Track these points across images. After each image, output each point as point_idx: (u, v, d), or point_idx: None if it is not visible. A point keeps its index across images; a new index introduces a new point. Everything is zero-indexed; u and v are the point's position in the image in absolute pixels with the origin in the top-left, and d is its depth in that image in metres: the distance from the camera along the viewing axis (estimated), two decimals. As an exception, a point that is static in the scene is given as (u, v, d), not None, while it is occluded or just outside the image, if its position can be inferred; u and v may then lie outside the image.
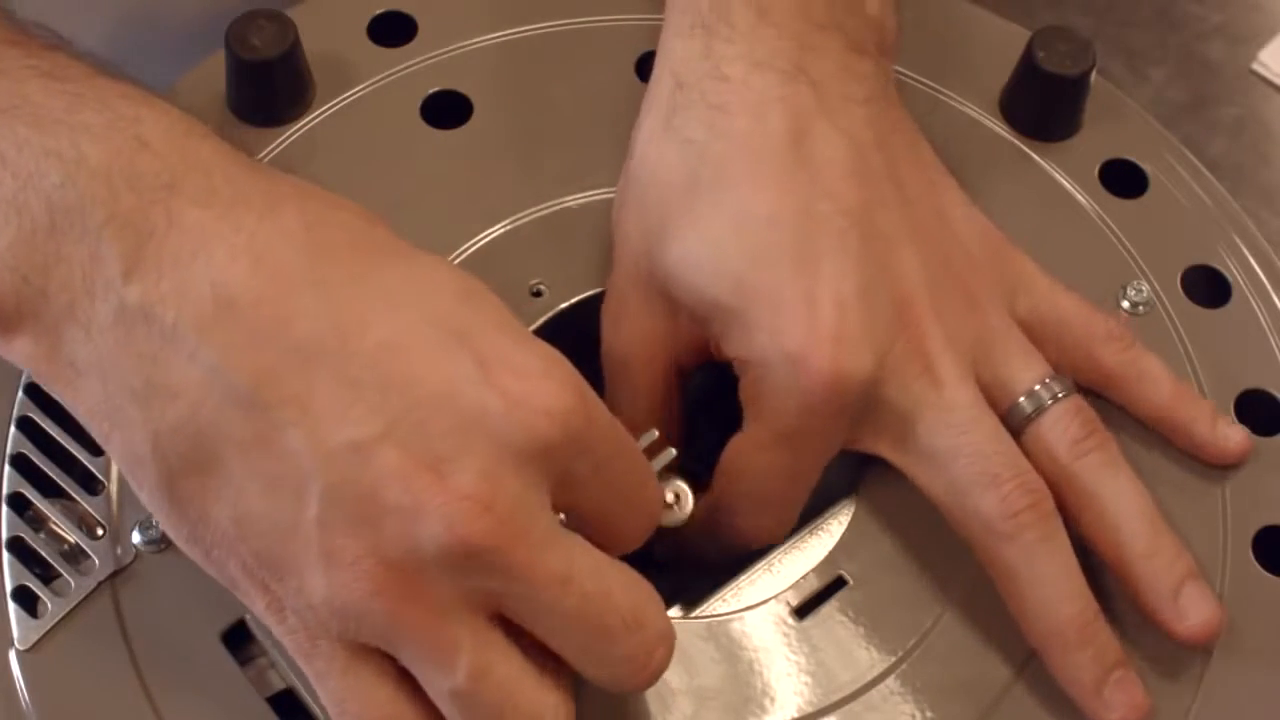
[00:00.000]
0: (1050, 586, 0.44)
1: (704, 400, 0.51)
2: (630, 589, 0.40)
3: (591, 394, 0.40)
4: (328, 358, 0.37)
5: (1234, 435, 0.48)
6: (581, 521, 0.41)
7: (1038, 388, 0.47)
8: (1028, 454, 0.46)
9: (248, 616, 0.45)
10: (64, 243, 0.38)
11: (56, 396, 0.41)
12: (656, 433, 0.46)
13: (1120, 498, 0.46)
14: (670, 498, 0.48)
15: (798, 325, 0.44)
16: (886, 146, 0.48)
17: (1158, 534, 0.46)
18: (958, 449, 0.45)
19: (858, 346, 0.44)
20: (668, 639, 0.41)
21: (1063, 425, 0.46)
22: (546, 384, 0.38)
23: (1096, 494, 0.46)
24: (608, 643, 0.40)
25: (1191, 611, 0.45)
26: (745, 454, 0.47)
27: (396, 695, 0.40)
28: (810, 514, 0.50)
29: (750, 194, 0.46)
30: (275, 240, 0.38)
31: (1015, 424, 0.46)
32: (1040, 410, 0.46)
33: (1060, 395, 0.47)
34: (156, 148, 0.39)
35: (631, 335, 0.49)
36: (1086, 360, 0.49)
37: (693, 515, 0.48)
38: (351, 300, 0.38)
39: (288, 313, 0.37)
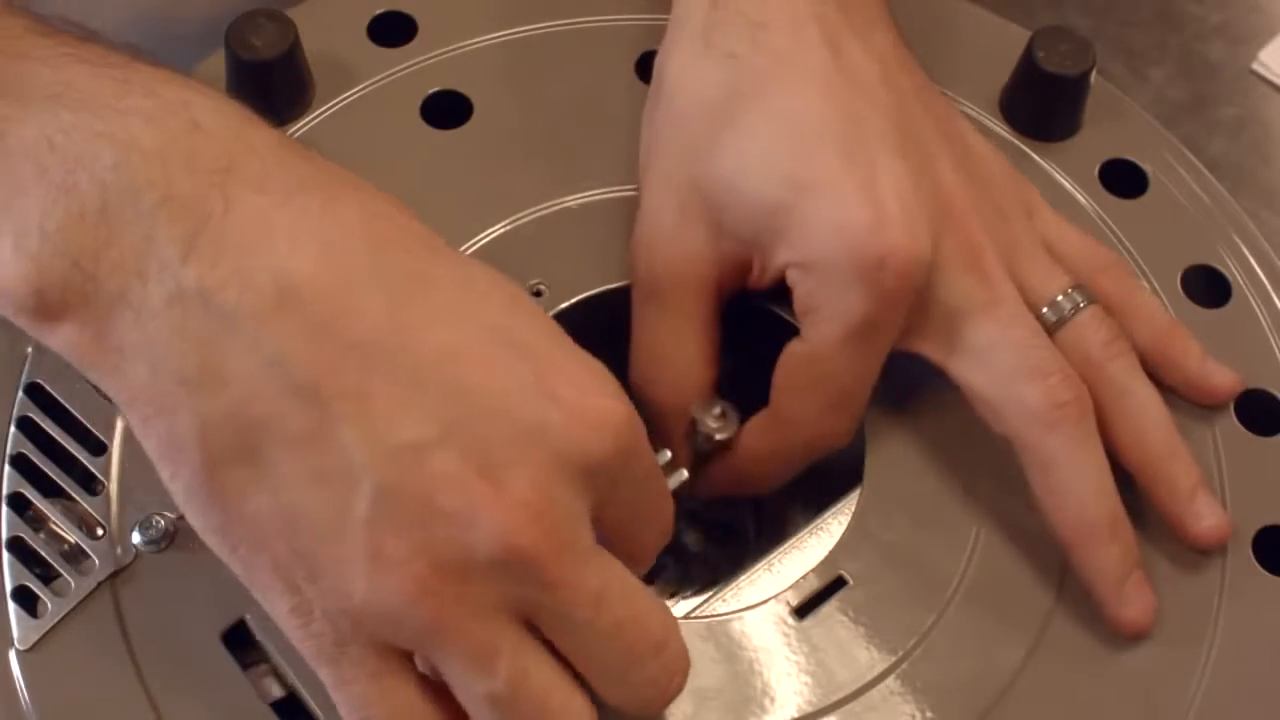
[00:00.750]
0: (1089, 479, 0.46)
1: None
2: (657, 612, 0.40)
3: (635, 414, 0.40)
4: (388, 356, 0.37)
5: (1222, 374, 0.50)
6: (603, 537, 0.41)
7: (1063, 296, 0.48)
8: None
9: (248, 617, 0.45)
10: (116, 225, 0.37)
11: (95, 382, 0.40)
12: (669, 453, 0.46)
13: (1144, 401, 0.47)
14: (716, 412, 0.49)
15: (863, 212, 0.45)
16: (907, 68, 0.49)
17: (1176, 438, 0.48)
18: (1005, 341, 0.46)
19: (921, 227, 0.45)
20: (686, 665, 0.41)
21: (1092, 330, 0.48)
22: (604, 400, 0.39)
23: (1126, 394, 0.47)
24: (635, 665, 0.40)
25: (1207, 513, 0.47)
26: (813, 359, 0.47)
27: (423, 698, 0.39)
28: (811, 513, 0.50)
29: (797, 101, 0.47)
30: (337, 231, 0.38)
31: (1045, 329, 0.47)
32: (1069, 316, 0.48)
33: (1085, 303, 0.48)
34: (210, 131, 0.38)
35: (670, 259, 0.48)
36: (1089, 286, 0.49)
37: (741, 440, 0.49)
38: (413, 300, 0.38)
39: (350, 307, 0.37)
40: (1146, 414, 0.47)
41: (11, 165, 0.38)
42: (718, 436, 0.49)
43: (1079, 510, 0.46)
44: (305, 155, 0.40)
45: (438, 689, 0.39)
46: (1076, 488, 0.46)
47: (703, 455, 0.49)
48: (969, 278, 0.46)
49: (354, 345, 0.37)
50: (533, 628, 0.39)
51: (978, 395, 0.47)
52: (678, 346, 0.48)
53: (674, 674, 0.40)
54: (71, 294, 0.38)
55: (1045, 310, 0.48)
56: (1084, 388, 0.46)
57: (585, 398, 0.38)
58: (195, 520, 0.39)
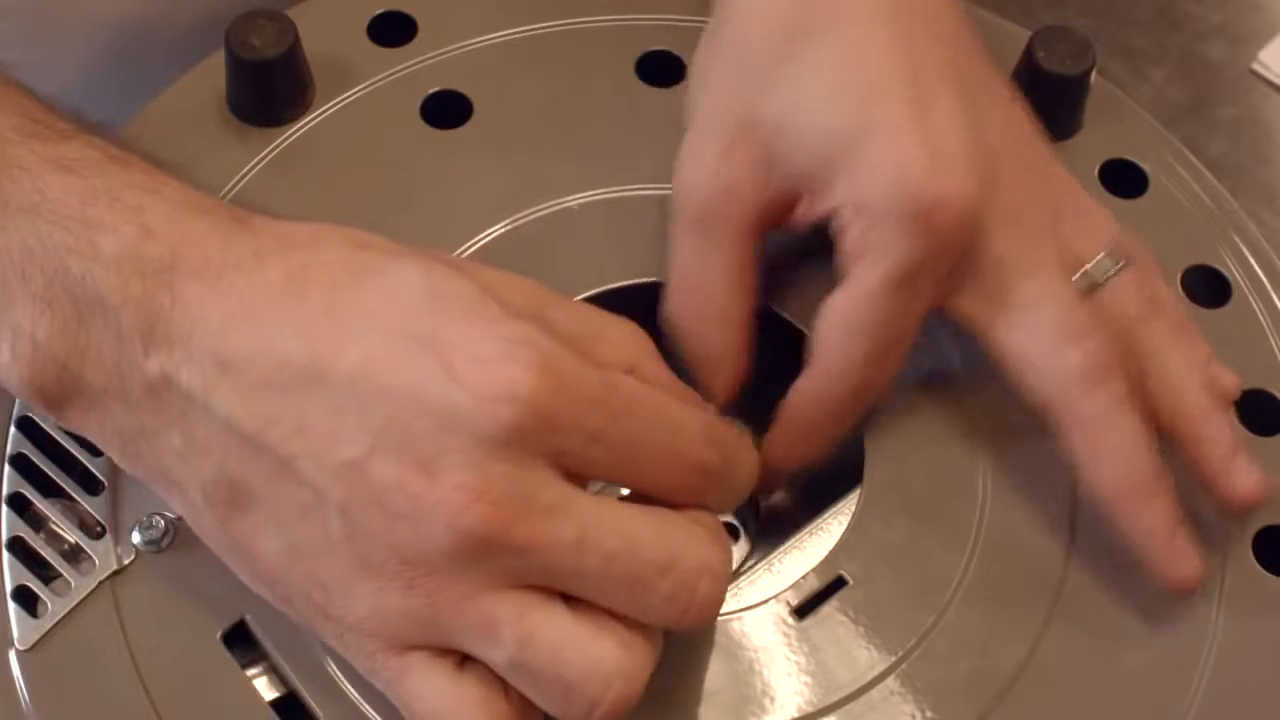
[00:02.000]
0: (1129, 438, 0.46)
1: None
2: (664, 535, 0.41)
3: (568, 365, 0.40)
4: (313, 389, 0.40)
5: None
6: (617, 484, 0.42)
7: (1105, 255, 0.48)
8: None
9: (248, 617, 0.45)
10: (91, 331, 0.42)
11: (120, 464, 0.44)
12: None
13: (1181, 363, 0.47)
14: None
15: (922, 156, 0.45)
16: (965, 24, 0.49)
17: (1214, 400, 0.47)
18: (1048, 300, 0.46)
19: (977, 176, 0.45)
20: (711, 569, 0.41)
21: (1131, 291, 0.47)
22: (505, 369, 0.39)
23: (1165, 355, 0.47)
24: (643, 591, 0.41)
25: (1244, 474, 0.47)
26: (860, 305, 0.46)
27: (457, 680, 0.41)
28: (811, 513, 0.50)
29: (864, 36, 0.47)
30: (260, 296, 0.41)
31: (1083, 289, 0.47)
32: (1108, 277, 0.47)
33: (1127, 262, 0.48)
34: (159, 233, 0.42)
35: (714, 190, 0.48)
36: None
37: (785, 407, 0.48)
38: (325, 332, 0.40)
39: (275, 359, 0.40)
40: (1183, 376, 0.47)
41: (2, 271, 0.42)
42: None
43: (1124, 469, 0.46)
44: (247, 230, 0.43)
45: (481, 669, 0.41)
46: (1117, 448, 0.46)
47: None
48: (1013, 234, 0.46)
49: (285, 390, 0.40)
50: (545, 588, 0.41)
51: (1015, 357, 0.47)
52: (716, 278, 0.48)
53: (694, 585, 0.41)
54: (66, 389, 0.43)
55: (1090, 266, 0.47)
56: (1119, 356, 0.46)
57: (486, 373, 0.39)
58: (243, 578, 0.43)
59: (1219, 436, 0.47)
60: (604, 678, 0.40)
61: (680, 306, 0.49)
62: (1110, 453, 0.46)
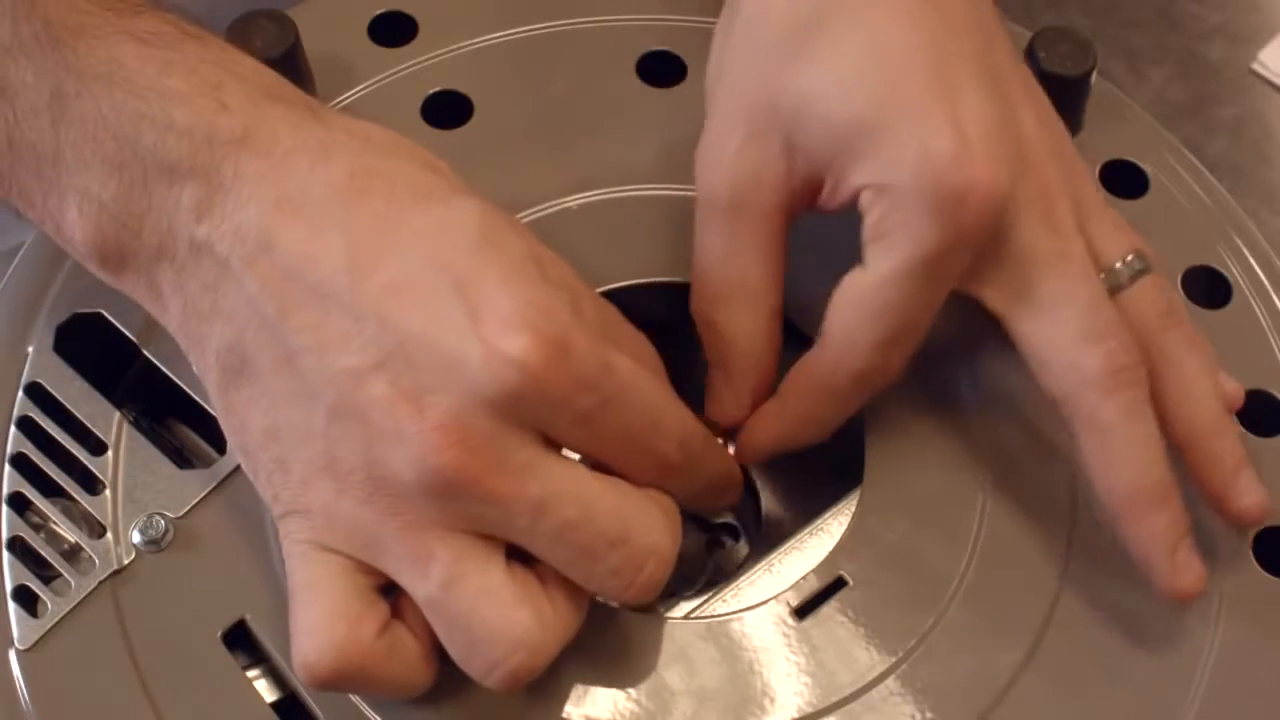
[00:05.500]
0: (1141, 448, 0.45)
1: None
2: (619, 513, 0.42)
3: (579, 348, 0.41)
4: (340, 293, 0.41)
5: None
6: (596, 463, 0.43)
7: (1132, 257, 0.47)
8: None
9: (248, 617, 0.45)
10: (154, 195, 0.43)
11: (154, 316, 0.46)
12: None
13: (1196, 375, 0.47)
14: None
15: (948, 141, 0.44)
16: (994, 12, 0.49)
17: (1224, 415, 0.47)
18: (1071, 298, 0.46)
19: (1003, 165, 0.45)
20: (657, 552, 0.43)
21: (1153, 296, 0.47)
22: (523, 336, 0.40)
23: (1180, 367, 0.47)
24: (591, 560, 0.42)
25: (1249, 491, 0.47)
26: (877, 289, 0.45)
27: (355, 587, 0.42)
28: (810, 514, 0.50)
29: (885, 23, 0.46)
30: (318, 187, 0.42)
31: (1109, 287, 0.47)
32: (1133, 279, 0.47)
33: (1148, 268, 0.47)
34: (234, 109, 0.43)
35: (738, 177, 0.47)
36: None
37: (787, 379, 0.48)
38: (369, 241, 0.42)
39: (314, 252, 0.42)
40: (1197, 388, 0.47)
41: (73, 134, 0.44)
42: None
43: (1131, 478, 0.45)
44: (323, 121, 0.44)
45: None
46: (1129, 455, 0.45)
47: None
48: (1042, 226, 0.46)
49: (313, 285, 0.41)
50: (515, 550, 0.42)
51: (1035, 350, 0.46)
52: (744, 268, 0.48)
53: (640, 564, 0.42)
54: (125, 249, 0.44)
55: (1108, 272, 0.47)
56: (1140, 357, 0.46)
57: (504, 334, 0.40)
58: (226, 434, 0.45)
59: (1227, 452, 0.47)
60: (511, 643, 0.41)
61: (712, 297, 0.48)
62: (1121, 458, 0.45)
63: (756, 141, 0.47)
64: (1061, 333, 0.45)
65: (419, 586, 0.42)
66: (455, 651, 0.42)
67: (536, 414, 0.41)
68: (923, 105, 0.44)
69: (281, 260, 0.42)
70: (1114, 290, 0.47)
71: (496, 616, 0.41)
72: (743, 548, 0.55)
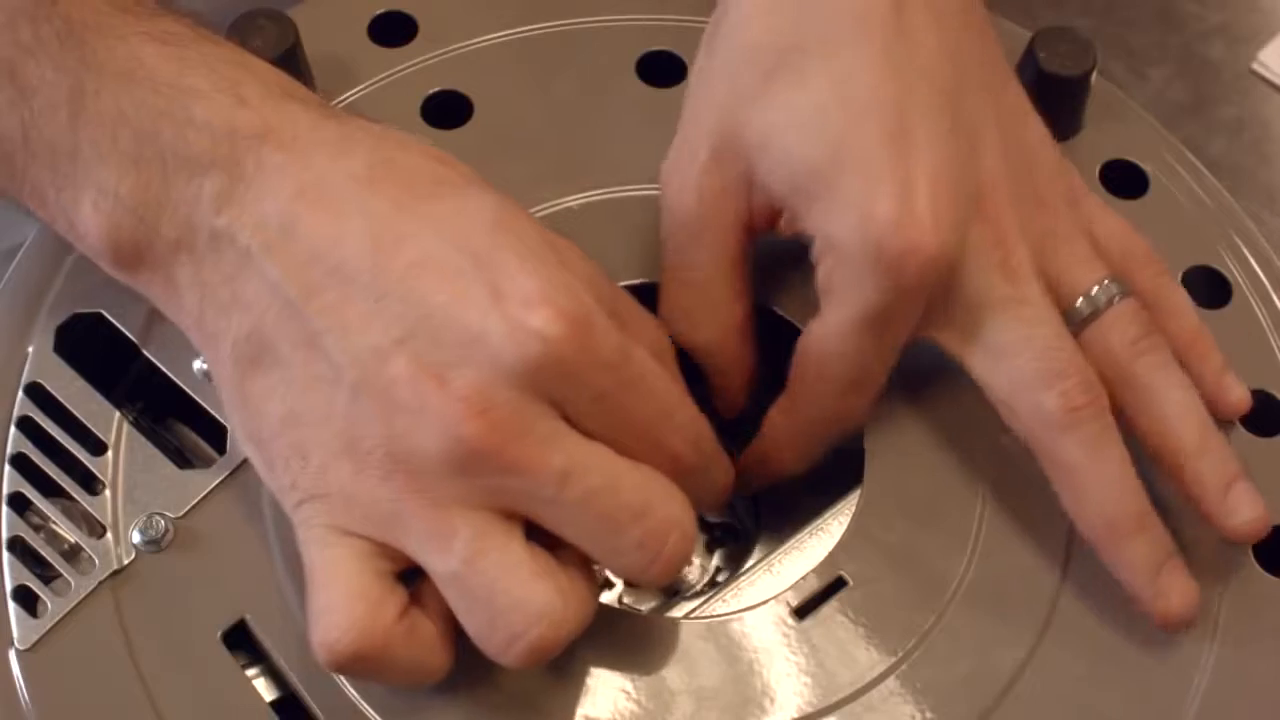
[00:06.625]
0: (1108, 479, 0.46)
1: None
2: (642, 486, 0.43)
3: (600, 327, 0.42)
4: (363, 275, 0.42)
5: (1237, 390, 0.49)
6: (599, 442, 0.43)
7: (1097, 289, 0.47)
8: (1086, 353, 0.47)
9: (248, 617, 0.45)
10: (173, 188, 0.44)
11: (166, 314, 0.46)
12: None
13: (1174, 397, 0.47)
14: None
15: (890, 205, 0.44)
16: (970, 29, 0.49)
17: (1208, 433, 0.47)
18: (1026, 342, 0.46)
19: (948, 226, 0.45)
20: (681, 525, 0.43)
21: (1122, 325, 0.47)
22: (545, 310, 0.41)
23: (1152, 392, 0.47)
24: (615, 532, 0.42)
25: (1241, 508, 0.46)
26: (829, 341, 0.46)
27: (372, 572, 0.42)
28: (810, 514, 0.50)
29: (853, 60, 0.46)
30: (338, 178, 0.43)
31: (1075, 323, 0.47)
32: (1100, 310, 0.47)
33: (1118, 297, 0.47)
34: (253, 104, 0.44)
35: (701, 193, 0.48)
36: (1123, 278, 0.49)
37: (764, 423, 0.49)
38: (391, 226, 0.42)
39: (335, 236, 0.42)
40: (1173, 411, 0.47)
41: (92, 132, 0.44)
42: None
43: (1099, 510, 0.46)
44: (336, 118, 0.45)
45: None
46: (1096, 488, 0.46)
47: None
48: (997, 273, 0.46)
49: (335, 268, 0.42)
50: (534, 529, 0.42)
51: (994, 393, 0.47)
52: (705, 283, 0.49)
53: (664, 536, 0.42)
54: (140, 244, 0.44)
55: (1079, 302, 0.47)
56: (1101, 390, 0.46)
57: (528, 311, 0.41)
58: (236, 428, 0.45)
59: (1214, 471, 0.46)
60: (532, 615, 0.41)
61: (672, 306, 0.49)
62: (1090, 493, 0.46)
63: (719, 165, 0.48)
64: (1018, 376, 0.46)
65: (440, 562, 0.42)
66: (475, 627, 0.42)
67: (557, 389, 0.41)
68: (874, 159, 0.45)
69: (303, 245, 0.42)
70: (1088, 319, 0.47)
71: (519, 587, 0.41)
72: (742, 548, 0.55)
